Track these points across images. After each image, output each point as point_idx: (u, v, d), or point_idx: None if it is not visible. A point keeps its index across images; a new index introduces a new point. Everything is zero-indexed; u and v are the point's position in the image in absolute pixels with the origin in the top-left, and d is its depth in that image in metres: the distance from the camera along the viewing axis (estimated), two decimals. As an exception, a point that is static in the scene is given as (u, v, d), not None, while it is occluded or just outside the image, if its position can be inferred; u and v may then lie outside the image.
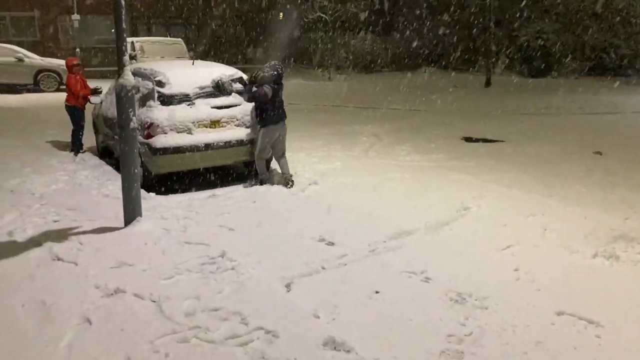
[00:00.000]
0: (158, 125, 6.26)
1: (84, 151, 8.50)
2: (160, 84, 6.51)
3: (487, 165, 7.82)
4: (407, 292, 3.74)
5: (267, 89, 6.30)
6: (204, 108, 6.53)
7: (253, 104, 6.56)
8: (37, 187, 6.27)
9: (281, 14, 30.47)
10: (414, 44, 26.18)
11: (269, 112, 6.42)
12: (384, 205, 5.80)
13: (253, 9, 29.00)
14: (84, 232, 4.68)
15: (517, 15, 22.45)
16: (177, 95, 6.46)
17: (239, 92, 6.60)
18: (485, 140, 10.00)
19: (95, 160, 8.02)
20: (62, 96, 9.14)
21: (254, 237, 4.80)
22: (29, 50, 19.19)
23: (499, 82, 20.76)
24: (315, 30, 26.23)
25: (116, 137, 7.34)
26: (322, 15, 23.55)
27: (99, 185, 6.43)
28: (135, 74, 7.28)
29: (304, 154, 8.60)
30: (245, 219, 5.37)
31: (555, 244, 4.66)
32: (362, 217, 5.41)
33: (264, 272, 3.97)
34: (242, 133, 6.68)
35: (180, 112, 6.40)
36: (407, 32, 26.83)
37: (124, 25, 4.41)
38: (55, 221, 5.03)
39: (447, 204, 5.80)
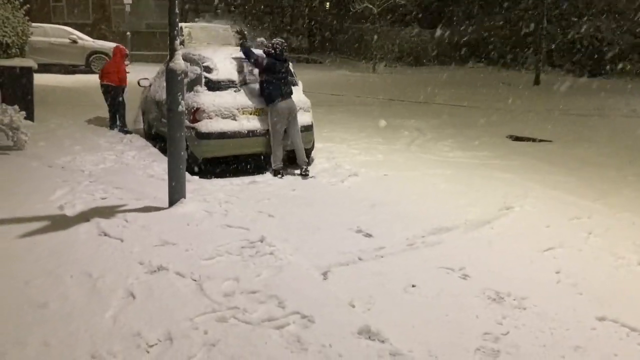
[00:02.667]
0: (204, 110, 6.38)
1: (131, 132, 8.75)
2: (207, 69, 6.62)
3: (532, 165, 7.64)
4: (444, 288, 3.72)
5: (261, 59, 6.46)
6: (249, 95, 6.61)
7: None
8: (87, 164, 6.50)
9: (327, 3, 30.43)
10: (462, 39, 25.74)
11: (270, 88, 6.40)
12: (424, 201, 5.76)
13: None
14: (130, 210, 4.83)
15: (572, 12, 21.73)
16: (223, 82, 6.57)
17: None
18: (532, 140, 9.77)
19: (142, 141, 8.23)
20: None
21: (293, 224, 4.85)
22: (82, 32, 19.78)
23: (548, 80, 20.20)
24: (361, 22, 26.07)
25: (163, 119, 7.57)
26: (370, 6, 23.37)
27: (145, 166, 6.61)
28: (184, 59, 7.45)
29: (345, 145, 8.61)
30: (284, 206, 5.43)
31: (599, 249, 4.53)
32: (401, 210, 5.39)
33: (302, 259, 4.02)
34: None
35: (226, 98, 6.50)
36: (456, 26, 26.39)
37: (176, 10, 4.50)
38: (103, 198, 5.21)
39: (489, 202, 5.71)
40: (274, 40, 6.59)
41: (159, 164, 6.74)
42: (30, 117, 8.86)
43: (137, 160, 6.92)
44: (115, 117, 8.96)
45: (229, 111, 6.46)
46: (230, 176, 6.48)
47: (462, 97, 15.49)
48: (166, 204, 5.00)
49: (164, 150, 7.62)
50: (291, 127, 6.57)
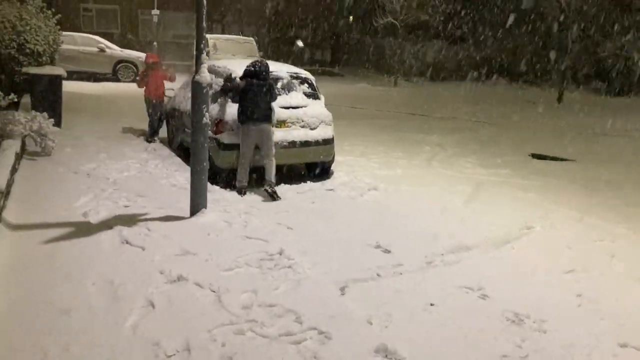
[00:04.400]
0: (227, 122, 6.45)
1: (155, 141, 8.89)
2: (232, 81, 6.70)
3: (555, 185, 7.56)
4: (463, 308, 3.69)
5: (239, 81, 6.26)
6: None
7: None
8: (111, 172, 6.61)
9: (351, 17, 30.61)
10: (485, 54, 25.65)
11: (248, 109, 6.11)
12: (444, 218, 5.73)
13: (323, 12, 29.31)
14: (152, 219, 4.91)
15: (598, 30, 21.51)
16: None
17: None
18: (555, 159, 9.66)
19: (166, 151, 8.36)
20: (136, 87, 9.62)
21: (311, 238, 4.87)
22: (110, 41, 20.20)
23: (573, 98, 19.96)
24: (384, 36, 26.15)
25: (187, 129, 7.68)
26: (393, 20, 23.45)
27: (168, 175, 6.70)
28: (209, 70, 7.56)
29: (365, 158, 8.62)
30: (303, 219, 5.46)
31: (622, 274, 4.46)
32: (420, 227, 5.38)
33: (320, 273, 4.03)
34: (307, 135, 6.78)
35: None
36: (479, 42, 26.32)
37: (204, 24, 4.59)
38: (126, 206, 5.30)
39: (510, 221, 5.66)
40: (256, 60, 6.39)
41: (182, 174, 6.83)
42: (57, 123, 9.04)
43: (160, 169, 7.02)
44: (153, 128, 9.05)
45: (251, 123, 6.51)
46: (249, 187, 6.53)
47: (485, 114, 15.40)
48: (187, 214, 5.07)
49: (187, 160, 7.76)
50: (264, 146, 6.23)
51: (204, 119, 4.78)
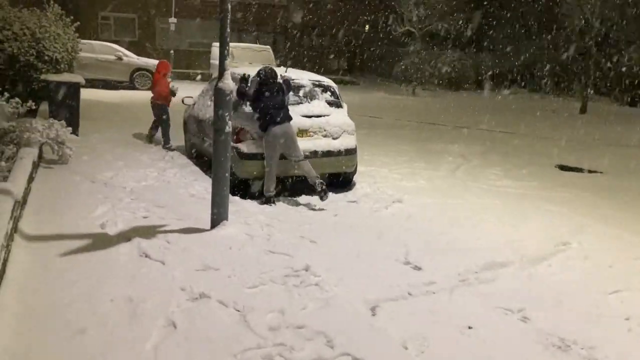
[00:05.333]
0: (248, 131, 6.28)
1: (173, 149, 8.75)
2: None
3: (586, 198, 7.25)
4: (503, 331, 3.44)
5: (249, 91, 6.15)
6: (293, 116, 6.47)
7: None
8: (128, 181, 6.46)
9: (367, 26, 30.48)
10: (504, 64, 25.33)
11: (266, 114, 5.99)
12: (474, 232, 5.48)
13: (339, 20, 29.22)
14: (171, 231, 4.72)
15: (621, 39, 21.11)
16: (269, 101, 6.46)
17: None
18: (581, 170, 9.35)
19: (184, 159, 8.21)
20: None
21: (336, 252, 4.64)
22: (127, 49, 20.25)
23: (595, 108, 19.57)
24: (402, 45, 25.95)
25: (205, 138, 7.53)
26: (411, 29, 23.26)
27: (186, 185, 6.53)
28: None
29: (386, 169, 8.39)
30: (327, 232, 5.24)
31: (671, 294, 4.17)
32: (450, 242, 5.13)
33: (348, 292, 3.80)
34: (329, 145, 6.59)
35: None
36: (497, 51, 26.01)
37: (228, 30, 4.42)
38: (144, 217, 5.12)
39: (543, 237, 5.39)
40: (260, 69, 6.26)
41: (200, 183, 6.66)
42: (75, 131, 8.95)
43: (178, 178, 6.86)
44: (167, 135, 8.97)
45: (272, 132, 6.33)
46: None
47: (506, 124, 15.08)
48: (208, 225, 4.87)
49: (205, 169, 7.60)
50: (292, 151, 6.09)
51: (227, 127, 4.60)
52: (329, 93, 6.91)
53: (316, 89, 6.81)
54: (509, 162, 9.66)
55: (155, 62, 19.97)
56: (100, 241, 4.39)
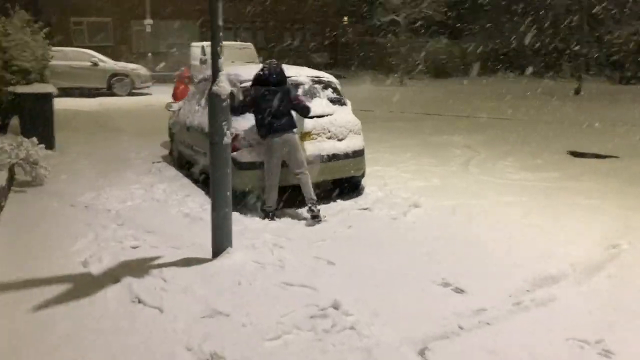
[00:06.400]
0: (244, 137, 5.58)
1: (159, 161, 8.02)
2: (246, 90, 5.82)
3: (614, 187, 6.66)
4: (585, 372, 2.81)
5: (251, 90, 5.46)
6: (294, 117, 5.78)
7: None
8: (113, 202, 5.73)
9: (345, 17, 29.79)
10: (491, 48, 24.81)
11: (265, 120, 5.30)
12: (508, 238, 4.84)
13: (320, 13, 28.50)
14: (167, 265, 4.01)
15: (610, 17, 20.65)
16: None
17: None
18: (596, 156, 8.79)
19: (172, 171, 7.48)
20: (134, 100, 8.77)
21: (362, 277, 3.98)
22: (103, 54, 19.35)
23: (588, 89, 19.08)
24: (387, 34, 25.28)
25: (195, 147, 6.82)
26: (395, 17, 22.59)
27: (178, 202, 5.81)
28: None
29: (394, 168, 7.73)
30: (344, 249, 4.58)
31: None
32: (486, 253, 4.49)
33: (390, 333, 3.13)
34: (335, 147, 5.91)
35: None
36: (484, 36, 25.46)
37: (220, 22, 3.71)
38: (134, 247, 4.41)
39: (587, 238, 4.78)
40: (267, 63, 5.55)
41: (194, 199, 5.95)
42: (50, 146, 8.21)
43: (168, 195, 6.13)
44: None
45: (271, 137, 5.64)
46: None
47: (503, 110, 14.51)
48: (209, 253, 4.17)
49: (196, 180, 6.88)
50: (291, 159, 5.41)
51: (225, 138, 3.89)
52: (330, 90, 6.22)
53: (316, 86, 6.12)
54: (519, 151, 9.07)
55: (134, 66, 19.21)
56: (84, 285, 3.67)
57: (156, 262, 4.07)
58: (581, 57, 18.92)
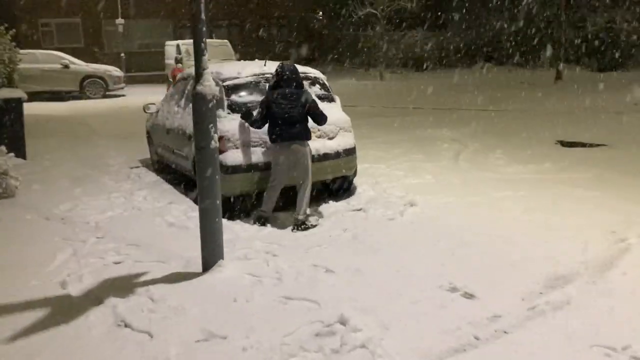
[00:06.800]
0: (229, 139, 5.28)
1: (138, 166, 7.66)
2: (230, 89, 5.52)
3: (609, 178, 6.52)
4: (617, 384, 2.60)
5: (264, 98, 5.15)
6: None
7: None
8: (91, 213, 5.38)
9: (320, 12, 29.46)
10: (469, 40, 24.78)
11: (275, 125, 5.03)
12: (512, 236, 4.63)
13: (296, 8, 28.14)
14: (154, 281, 3.70)
15: (585, 5, 20.73)
16: (250, 102, 5.47)
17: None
18: (585, 145, 8.70)
19: (152, 176, 7.13)
20: (108, 103, 8.38)
21: (364, 285, 3.73)
22: (74, 56, 18.74)
23: (568, 77, 19.15)
24: (365, 28, 25.04)
25: (176, 150, 6.48)
26: (373, 10, 22.35)
27: (161, 210, 5.48)
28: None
29: (384, 165, 7.50)
30: (342, 254, 4.32)
31: None
32: (490, 253, 4.28)
33: (402, 348, 2.88)
34: (325, 146, 5.64)
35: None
36: (461, 27, 25.42)
37: (202, 16, 3.40)
38: (117, 263, 4.08)
39: (593, 233, 4.59)
40: (281, 65, 5.19)
41: (177, 206, 5.63)
42: (21, 154, 7.80)
43: (150, 202, 5.80)
44: None
45: (258, 137, 5.35)
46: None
47: (485, 101, 14.44)
48: (198, 267, 3.87)
49: (178, 185, 6.55)
50: (297, 170, 5.18)
51: (212, 142, 3.59)
52: (318, 86, 5.95)
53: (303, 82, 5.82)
54: (508, 143, 8.93)
55: (107, 67, 18.65)
56: (63, 309, 3.33)
57: (142, 278, 3.75)
58: (561, 46, 18.91)
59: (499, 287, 3.66)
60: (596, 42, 21.12)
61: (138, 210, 5.53)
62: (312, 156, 5.51)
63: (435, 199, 5.77)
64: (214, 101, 3.58)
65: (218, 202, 3.70)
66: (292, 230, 5.01)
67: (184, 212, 5.41)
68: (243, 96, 5.51)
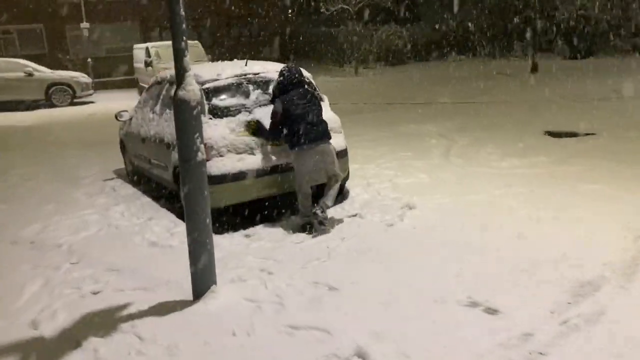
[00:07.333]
0: (212, 147, 4.86)
1: (112, 178, 7.16)
2: (210, 92, 5.09)
3: (610, 169, 6.28)
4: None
5: (276, 105, 4.82)
6: (267, 120, 5.10)
7: None
8: (63, 234, 4.91)
9: (290, 10, 29.00)
10: (441, 32, 24.65)
11: (298, 128, 4.73)
12: (522, 237, 4.33)
13: (265, 6, 27.64)
14: (140, 315, 3.27)
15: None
16: (233, 106, 5.06)
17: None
18: (574, 135, 8.48)
19: (128, 188, 6.65)
20: (76, 110, 7.86)
21: (374, 304, 3.36)
22: (38, 63, 17.93)
23: (542, 66, 19.09)
24: (338, 24, 24.69)
25: (153, 160, 6.02)
26: (345, 6, 22.01)
27: (141, 228, 5.03)
28: (173, 82, 5.89)
29: (373, 164, 7.16)
30: (344, 269, 3.96)
31: None
32: (504, 258, 3.96)
33: (432, 381, 2.53)
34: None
35: (238, 127, 5.00)
36: (433, 20, 25.29)
37: (181, 11, 2.99)
38: (95, 293, 3.64)
39: (608, 230, 4.32)
40: (281, 71, 4.97)
41: (158, 222, 5.19)
42: (-16, 171, 7.23)
43: (128, 219, 5.34)
44: None
45: (244, 144, 4.95)
46: (246, 226, 4.97)
47: (465, 94, 14.22)
48: (188, 293, 3.46)
49: (157, 198, 6.10)
50: (328, 172, 4.92)
51: (199, 154, 3.18)
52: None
53: (288, 82, 5.43)
54: (496, 136, 8.67)
55: (74, 74, 17.88)
56: (35, 354, 2.89)
57: (125, 312, 3.31)
58: (534, 35, 18.86)
59: (521, 298, 3.34)
60: (568, 30, 21.14)
61: (115, 228, 5.07)
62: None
63: (433, 200, 5.45)
64: (199, 107, 3.16)
65: (208, 220, 3.29)
66: (316, 225, 4.77)
67: (166, 228, 4.98)
68: (225, 99, 5.10)
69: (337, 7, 22.23)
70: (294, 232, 4.83)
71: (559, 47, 21.81)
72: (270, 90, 5.12)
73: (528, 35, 19.70)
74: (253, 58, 6.50)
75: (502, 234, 4.43)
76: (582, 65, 18.66)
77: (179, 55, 3.05)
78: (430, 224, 4.79)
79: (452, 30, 24.97)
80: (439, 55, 24.74)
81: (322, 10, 22.71)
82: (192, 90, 3.08)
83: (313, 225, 4.82)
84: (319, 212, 4.77)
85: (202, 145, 3.20)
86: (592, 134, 8.44)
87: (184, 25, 3.00)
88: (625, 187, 5.48)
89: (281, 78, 4.86)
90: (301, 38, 27.82)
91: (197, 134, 3.15)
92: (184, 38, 3.03)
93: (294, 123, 4.72)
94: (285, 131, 4.78)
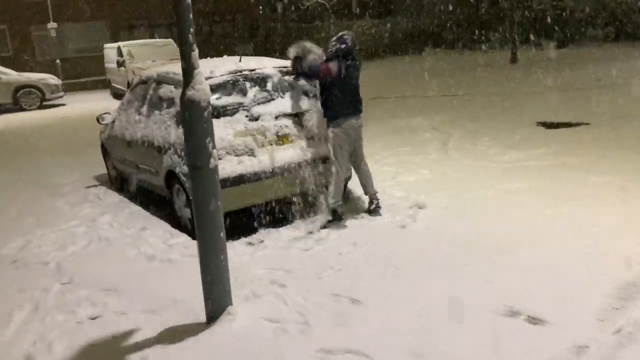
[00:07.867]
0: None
1: (96, 184, 6.72)
2: (204, 91, 4.72)
3: (613, 157, 6.15)
4: None
5: (332, 65, 4.59)
6: (266, 119, 4.77)
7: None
8: (49, 250, 4.49)
9: (260, 7, 28.52)
10: (417, 25, 24.55)
11: (338, 99, 4.61)
12: (546, 236, 4.10)
13: (237, 3, 27.14)
14: (148, 343, 2.91)
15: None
16: (230, 105, 4.71)
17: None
18: (568, 125, 8.36)
19: (113, 196, 6.23)
20: (47, 114, 7.35)
21: (405, 316, 3.09)
22: (2, 65, 17.14)
23: (521, 56, 19.10)
24: (313, 19, 24.36)
25: (141, 165, 5.63)
26: (321, 1, 21.66)
27: (134, 240, 4.63)
28: (160, 81, 5.52)
29: (371, 161, 6.68)
30: (362, 278, 3.67)
31: None
32: (535, 260, 3.73)
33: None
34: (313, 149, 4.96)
35: (237, 127, 4.65)
36: (407, 14, 25.18)
37: (188, 1, 2.63)
38: (93, 318, 3.26)
39: (627, 226, 4.15)
40: (341, 37, 4.77)
41: (153, 232, 4.81)
42: (-47, 183, 6.71)
43: (118, 230, 4.93)
44: None
45: (243, 145, 4.61)
46: (249, 233, 4.63)
47: (449, 86, 14.05)
48: (200, 315, 3.12)
49: (146, 204, 5.70)
50: (358, 150, 4.96)
51: (212, 159, 2.83)
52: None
53: (286, 78, 5.10)
54: (490, 128, 8.50)
55: (42, 76, 17.13)
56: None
57: (131, 339, 2.95)
58: (512, 25, 18.84)
59: (564, 304, 3.10)
60: (544, 20, 21.21)
61: (106, 241, 4.67)
62: (305, 161, 4.86)
63: (442, 198, 5.19)
64: (210, 108, 2.81)
65: (222, 234, 2.95)
66: (371, 211, 4.86)
67: (163, 239, 4.60)
68: (220, 98, 4.71)
69: (311, 1, 21.87)
70: (299, 237, 4.50)
71: (536, 37, 21.85)
72: (297, 67, 4.80)
73: (505, 26, 19.68)
74: (232, 54, 6.14)
75: (524, 233, 4.20)
76: (560, 55, 18.71)
77: (187, 50, 2.69)
78: (444, 225, 4.53)
79: (429, 22, 24.89)
80: (415, 49, 24.63)
81: (298, 5, 22.34)
82: (202, 90, 2.73)
83: (341, 213, 4.75)
84: (375, 202, 4.87)
85: (214, 150, 2.85)
86: (586, 123, 8.33)
87: (191, 16, 2.64)
88: (633, 178, 5.32)
89: (344, 46, 4.68)
90: (278, 34, 27.39)
91: (209, 138, 2.80)
92: (192, 30, 2.67)
93: (340, 94, 4.62)
94: (324, 99, 4.69)
